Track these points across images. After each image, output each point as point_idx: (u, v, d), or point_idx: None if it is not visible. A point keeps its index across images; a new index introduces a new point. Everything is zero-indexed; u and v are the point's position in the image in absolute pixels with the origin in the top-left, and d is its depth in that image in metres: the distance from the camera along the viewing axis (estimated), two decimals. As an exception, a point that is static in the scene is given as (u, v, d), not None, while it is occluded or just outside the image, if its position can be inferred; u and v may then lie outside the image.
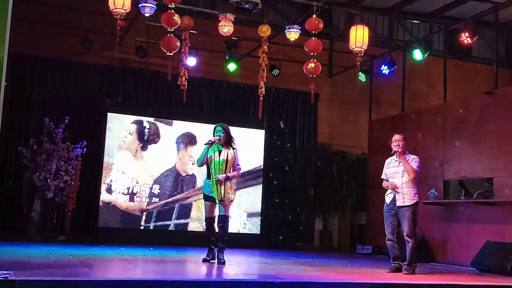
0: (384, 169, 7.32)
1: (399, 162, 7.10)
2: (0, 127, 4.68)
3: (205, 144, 7.09)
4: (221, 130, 7.09)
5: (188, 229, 11.13)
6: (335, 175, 13.24)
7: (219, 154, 7.02)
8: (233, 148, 7.16)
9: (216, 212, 7.09)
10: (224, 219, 7.02)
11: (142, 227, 10.86)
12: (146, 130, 11.03)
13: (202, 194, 7.22)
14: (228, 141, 7.13)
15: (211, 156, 7.02)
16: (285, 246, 11.53)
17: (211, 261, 7.11)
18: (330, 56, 13.93)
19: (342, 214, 13.32)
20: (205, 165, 7.12)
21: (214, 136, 7.11)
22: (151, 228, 10.91)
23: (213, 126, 7.28)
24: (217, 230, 7.11)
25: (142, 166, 10.96)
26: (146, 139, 11.02)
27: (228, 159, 7.03)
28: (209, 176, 7.05)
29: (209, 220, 7.15)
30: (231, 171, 7.08)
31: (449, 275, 7.26)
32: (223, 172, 6.99)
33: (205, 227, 7.34)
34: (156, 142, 11.13)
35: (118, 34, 8.30)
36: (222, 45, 11.34)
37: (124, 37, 11.42)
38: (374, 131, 12.22)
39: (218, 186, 6.93)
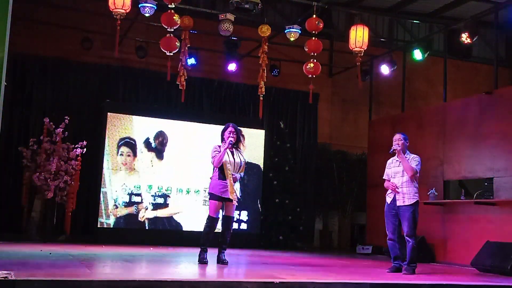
0: (386, 169, 7.35)
1: (399, 162, 7.13)
2: (0, 127, 4.67)
3: (224, 145, 6.90)
4: (234, 132, 6.98)
5: (189, 229, 11.12)
6: (335, 175, 13.24)
7: (232, 155, 6.94)
8: (239, 149, 7.09)
9: (220, 213, 7.02)
10: (232, 221, 7.06)
11: (142, 227, 10.85)
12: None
13: (210, 194, 6.96)
14: (236, 143, 7.06)
15: (225, 158, 6.89)
16: (285, 246, 11.53)
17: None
18: (330, 56, 13.93)
19: (342, 214, 13.32)
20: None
21: (225, 135, 6.97)
22: (151, 228, 10.90)
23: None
24: (221, 230, 7.05)
25: (142, 166, 10.97)
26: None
27: (242, 160, 7.01)
28: (220, 177, 6.86)
29: (215, 220, 6.94)
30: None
31: (449, 275, 7.25)
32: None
33: (206, 226, 6.94)
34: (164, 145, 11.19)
35: (118, 34, 8.29)
36: (222, 45, 11.33)
37: (124, 37, 11.40)
38: (374, 131, 12.22)
39: (234, 186, 6.90)
